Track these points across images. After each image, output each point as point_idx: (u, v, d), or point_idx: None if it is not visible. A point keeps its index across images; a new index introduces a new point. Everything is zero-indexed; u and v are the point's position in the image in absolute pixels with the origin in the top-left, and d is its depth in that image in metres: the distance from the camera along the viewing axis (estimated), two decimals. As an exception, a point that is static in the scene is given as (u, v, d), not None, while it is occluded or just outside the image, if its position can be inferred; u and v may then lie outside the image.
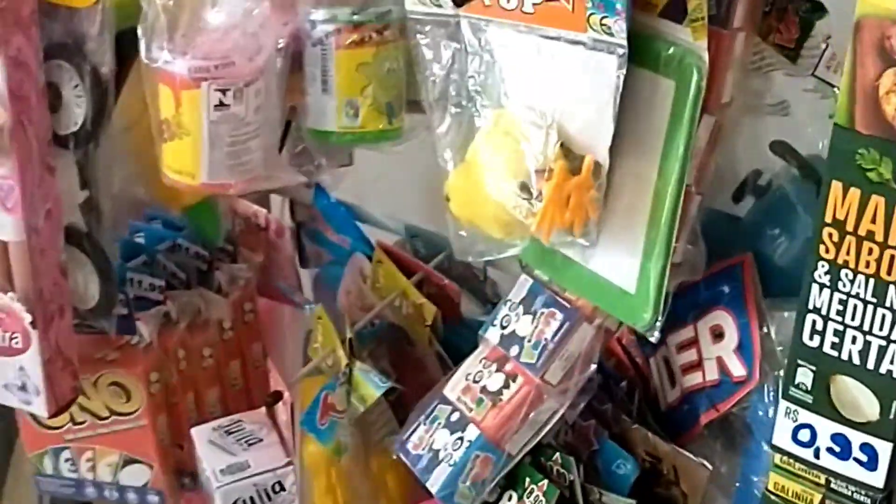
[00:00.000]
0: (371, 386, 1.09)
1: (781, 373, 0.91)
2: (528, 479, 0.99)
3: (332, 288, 1.36)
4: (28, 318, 1.09)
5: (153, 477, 1.23)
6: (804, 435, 0.84)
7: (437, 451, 1.00)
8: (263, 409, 1.15)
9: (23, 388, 1.12)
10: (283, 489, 1.07)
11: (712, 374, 0.98)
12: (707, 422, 0.99)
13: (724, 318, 0.98)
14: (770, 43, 0.95)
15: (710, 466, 0.99)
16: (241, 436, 1.12)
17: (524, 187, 0.87)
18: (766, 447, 0.91)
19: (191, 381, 1.25)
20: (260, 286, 1.33)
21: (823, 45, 0.95)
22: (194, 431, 1.13)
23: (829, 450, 0.83)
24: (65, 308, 1.11)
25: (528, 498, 0.98)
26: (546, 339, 0.97)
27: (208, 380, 1.27)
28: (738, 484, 0.98)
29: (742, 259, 0.98)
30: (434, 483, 0.98)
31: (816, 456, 0.83)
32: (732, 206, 1.07)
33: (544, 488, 0.97)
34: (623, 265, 0.90)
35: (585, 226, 0.88)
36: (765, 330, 0.94)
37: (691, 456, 1.00)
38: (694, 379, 1.00)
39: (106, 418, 1.21)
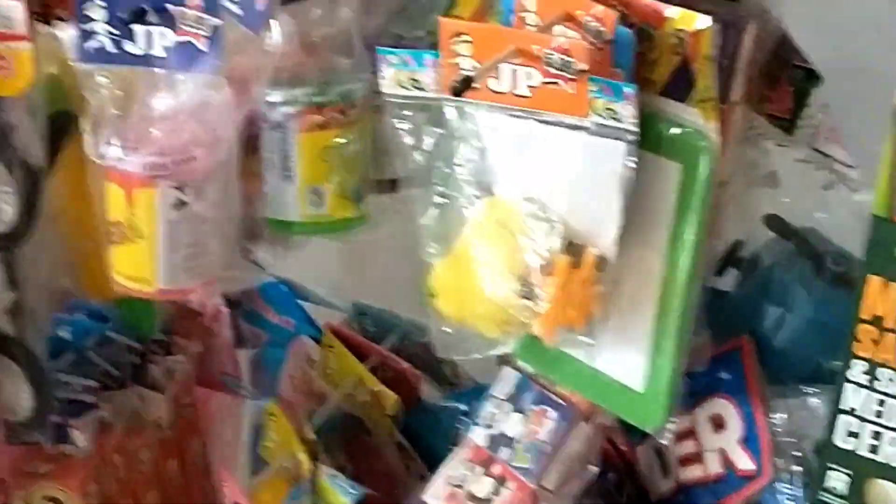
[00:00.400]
0: (341, 494, 1.01)
1: (795, 467, 0.86)
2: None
3: (272, 371, 1.27)
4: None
5: None
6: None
7: (428, 561, 0.92)
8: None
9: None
10: None
11: (715, 467, 0.92)
12: (711, 517, 0.93)
13: (724, 407, 0.92)
14: (763, 113, 0.90)
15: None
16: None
17: (524, 284, 0.79)
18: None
19: (129, 487, 1.15)
20: (196, 375, 1.23)
21: (819, 115, 0.91)
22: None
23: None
24: (-6, 423, 1.01)
25: None
26: (541, 441, 0.89)
27: (146, 483, 1.17)
28: None
29: (740, 342, 0.92)
30: None
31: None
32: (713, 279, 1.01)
33: None
34: (629, 362, 0.83)
35: (589, 323, 0.81)
36: (772, 419, 0.89)
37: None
38: (694, 472, 0.94)
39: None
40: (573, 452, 0.89)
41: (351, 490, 1.01)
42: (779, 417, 0.88)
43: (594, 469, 0.90)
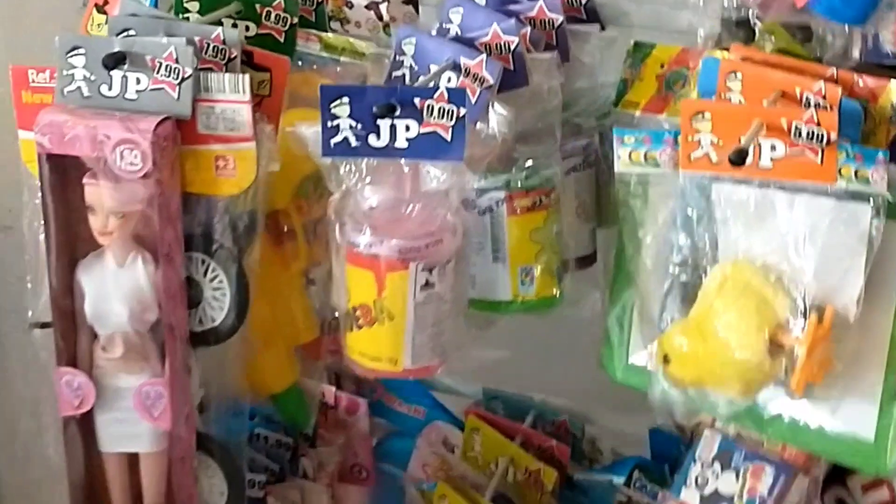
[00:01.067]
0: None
1: None
2: None
3: (396, 462, 1.30)
4: (172, 535, 1.00)
5: None
6: None
7: None
8: None
9: None
10: None
11: (914, 511, 0.98)
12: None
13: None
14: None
15: None
16: None
17: (774, 342, 0.85)
18: None
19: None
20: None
21: None
22: None
23: None
24: (195, 521, 1.02)
25: None
26: (762, 496, 0.95)
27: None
28: None
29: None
30: None
31: None
32: None
33: None
34: (859, 413, 0.89)
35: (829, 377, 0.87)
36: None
37: None
38: (886, 515, 1.00)
39: None
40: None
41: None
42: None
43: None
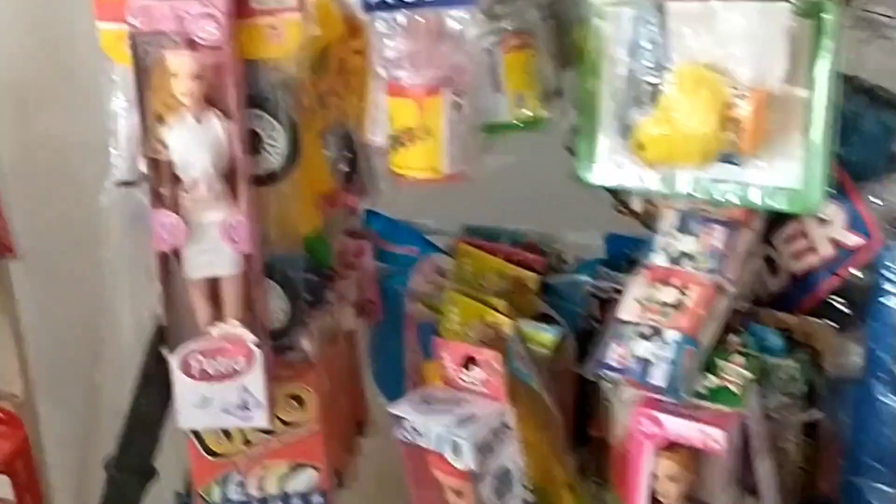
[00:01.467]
0: (545, 333, 1.31)
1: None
2: (719, 361, 1.24)
3: (398, 297, 1.54)
4: (253, 338, 1.23)
5: (319, 479, 1.38)
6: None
7: (646, 358, 1.22)
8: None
9: (244, 406, 1.25)
10: (508, 427, 1.26)
11: (827, 250, 1.28)
12: (828, 290, 1.28)
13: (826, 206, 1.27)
14: None
15: (836, 325, 1.28)
16: (441, 401, 1.29)
17: (725, 117, 1.13)
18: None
19: (332, 389, 1.41)
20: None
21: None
22: (396, 409, 1.29)
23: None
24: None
25: (725, 374, 1.23)
26: (716, 246, 1.23)
27: (340, 386, 1.44)
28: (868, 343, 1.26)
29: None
30: (660, 381, 1.21)
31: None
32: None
33: (741, 362, 1.23)
34: (787, 169, 1.17)
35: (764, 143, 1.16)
36: (871, 200, 1.24)
37: (816, 320, 1.29)
38: (807, 260, 1.29)
39: (277, 433, 1.35)
40: (742, 251, 1.23)
41: (549, 329, 1.31)
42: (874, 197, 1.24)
43: (758, 261, 1.24)
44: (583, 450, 1.42)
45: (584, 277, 1.44)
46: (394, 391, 1.47)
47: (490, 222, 1.54)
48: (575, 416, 1.42)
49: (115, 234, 1.31)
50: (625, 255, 1.43)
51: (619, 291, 1.32)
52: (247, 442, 1.36)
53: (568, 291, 1.46)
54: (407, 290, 1.49)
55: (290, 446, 1.36)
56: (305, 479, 1.38)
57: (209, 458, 1.36)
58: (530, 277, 1.43)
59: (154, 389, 1.39)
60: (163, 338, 1.29)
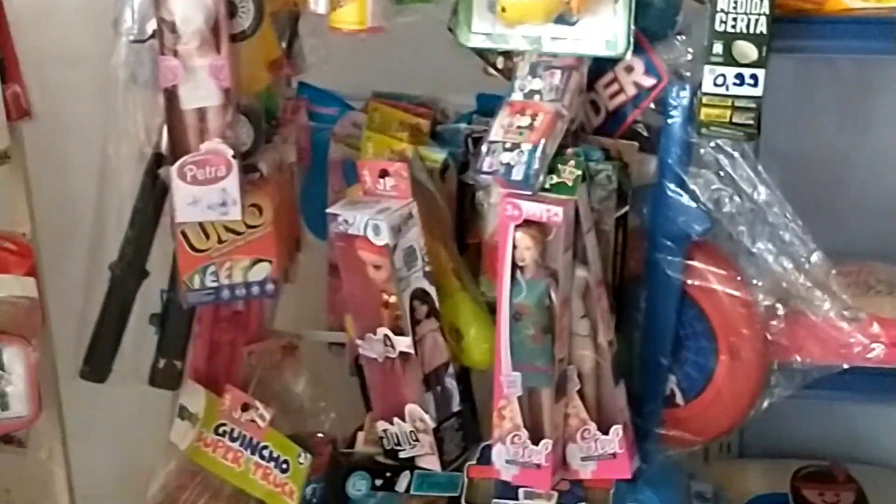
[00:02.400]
0: (433, 153, 1.84)
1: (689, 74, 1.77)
2: (559, 165, 1.77)
3: (318, 152, 2.06)
4: (230, 152, 1.73)
5: (271, 270, 1.88)
6: (719, 80, 1.70)
7: (508, 163, 1.75)
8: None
9: (222, 204, 1.75)
10: (412, 216, 1.78)
11: (631, 90, 1.82)
12: (633, 120, 1.83)
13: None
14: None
15: (637, 144, 1.83)
16: (363, 203, 1.81)
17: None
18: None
19: (281, 205, 1.91)
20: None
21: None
22: (333, 209, 1.80)
23: (734, 84, 1.70)
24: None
25: (563, 174, 1.76)
26: (556, 85, 1.77)
27: (283, 206, 1.94)
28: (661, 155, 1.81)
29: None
30: (517, 175, 1.74)
31: (727, 89, 1.70)
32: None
33: (573, 165, 1.77)
34: (605, 23, 1.71)
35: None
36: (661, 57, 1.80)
37: (625, 141, 1.84)
38: (619, 99, 1.84)
39: (242, 233, 1.85)
40: (574, 87, 1.77)
41: (440, 151, 1.84)
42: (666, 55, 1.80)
43: (585, 95, 1.79)
44: (462, 256, 1.96)
45: (462, 125, 1.98)
46: (321, 230, 1.98)
47: (392, 89, 2.06)
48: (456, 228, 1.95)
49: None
50: (490, 109, 1.97)
51: (486, 132, 1.85)
52: (220, 241, 1.85)
53: (450, 136, 1.99)
54: (330, 132, 2.00)
55: (251, 244, 1.86)
56: (261, 270, 1.88)
57: (192, 252, 1.85)
58: (424, 124, 1.96)
59: (149, 203, 1.87)
60: (158, 163, 1.79)
